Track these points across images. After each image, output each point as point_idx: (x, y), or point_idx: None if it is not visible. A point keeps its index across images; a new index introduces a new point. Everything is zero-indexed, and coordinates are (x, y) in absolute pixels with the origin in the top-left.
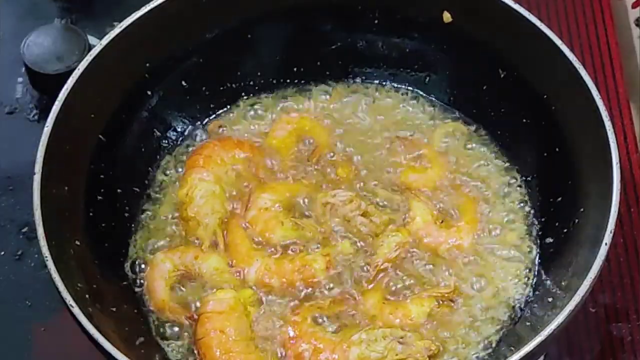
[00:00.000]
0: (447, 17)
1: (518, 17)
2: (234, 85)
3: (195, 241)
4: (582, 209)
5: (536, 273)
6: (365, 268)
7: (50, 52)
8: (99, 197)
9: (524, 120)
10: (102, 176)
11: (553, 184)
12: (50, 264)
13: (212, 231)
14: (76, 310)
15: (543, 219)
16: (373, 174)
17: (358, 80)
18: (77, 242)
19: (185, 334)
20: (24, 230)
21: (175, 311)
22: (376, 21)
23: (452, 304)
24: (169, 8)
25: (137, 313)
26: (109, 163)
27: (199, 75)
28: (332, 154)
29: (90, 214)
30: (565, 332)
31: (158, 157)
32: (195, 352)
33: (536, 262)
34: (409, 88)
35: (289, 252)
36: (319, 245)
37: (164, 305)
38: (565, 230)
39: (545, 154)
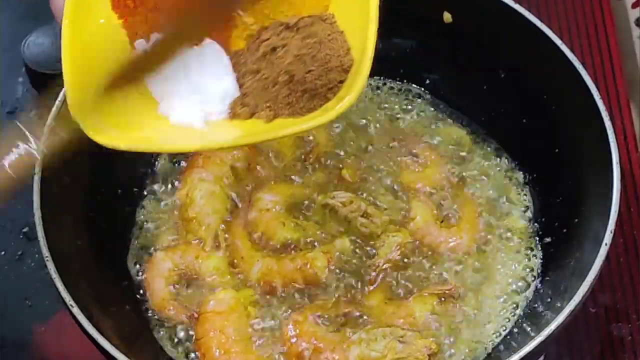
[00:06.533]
0: (447, 17)
1: (518, 17)
2: None
3: (196, 241)
4: (582, 209)
5: (536, 273)
6: (366, 268)
7: (50, 52)
8: (99, 197)
9: (524, 120)
10: (102, 176)
11: (553, 184)
12: (50, 264)
13: (213, 231)
14: (76, 310)
15: (543, 219)
16: (373, 175)
17: None
18: (78, 242)
19: (185, 333)
20: (24, 230)
21: (176, 310)
22: None
23: (453, 302)
24: None
25: (137, 313)
26: (108, 163)
27: None
28: (341, 153)
29: (91, 214)
30: (565, 332)
31: (158, 157)
32: (195, 352)
33: (536, 262)
34: (409, 88)
35: (290, 252)
36: (319, 244)
37: (164, 304)
38: (565, 230)
39: (545, 154)
